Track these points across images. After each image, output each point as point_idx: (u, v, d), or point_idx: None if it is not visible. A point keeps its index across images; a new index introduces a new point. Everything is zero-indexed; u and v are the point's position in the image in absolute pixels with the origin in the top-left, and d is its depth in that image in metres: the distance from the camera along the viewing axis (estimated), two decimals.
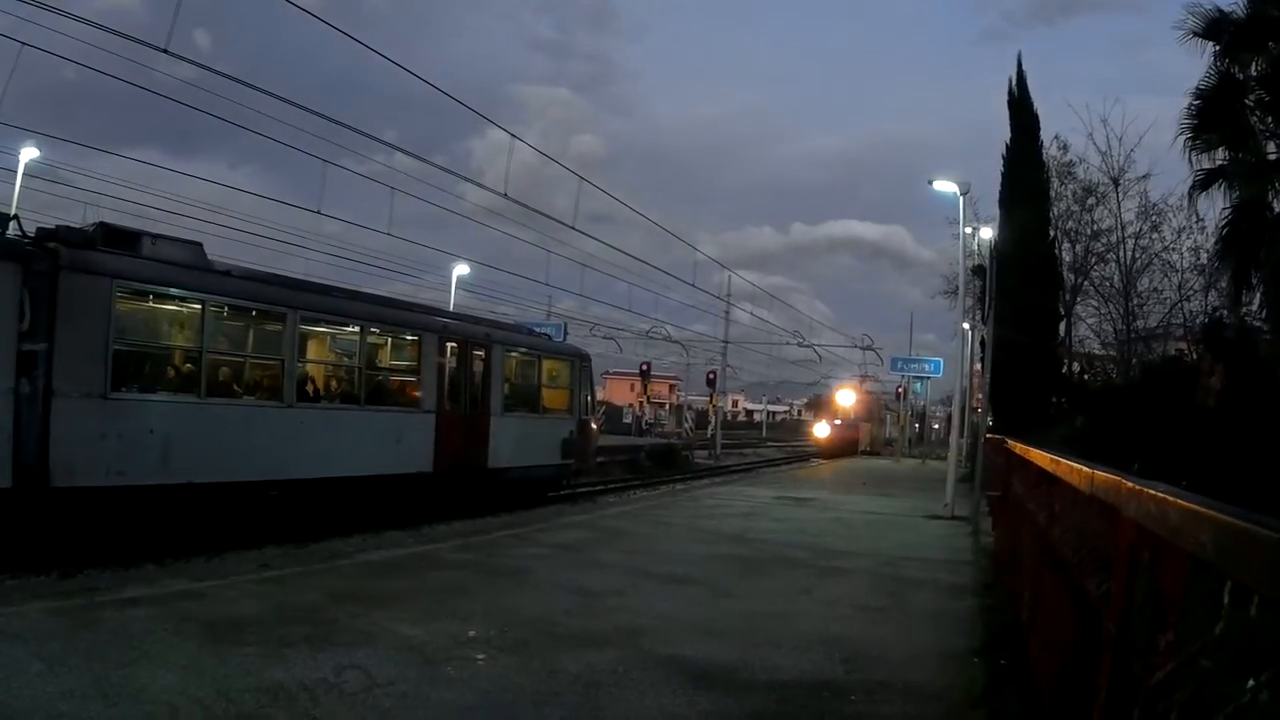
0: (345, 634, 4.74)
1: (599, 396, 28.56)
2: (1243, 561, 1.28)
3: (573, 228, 14.41)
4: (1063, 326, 22.89)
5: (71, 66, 7.98)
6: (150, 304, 9.80)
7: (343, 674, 4.02)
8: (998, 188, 22.01)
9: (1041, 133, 22.15)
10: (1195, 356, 17.29)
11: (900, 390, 40.94)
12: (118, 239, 9.28)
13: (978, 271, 19.09)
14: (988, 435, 15.77)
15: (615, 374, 60.01)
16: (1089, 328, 24.22)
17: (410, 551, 7.52)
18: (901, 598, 6.79)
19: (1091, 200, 22.89)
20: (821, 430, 40.75)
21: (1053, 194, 22.42)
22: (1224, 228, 14.98)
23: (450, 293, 29.40)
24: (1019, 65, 22.45)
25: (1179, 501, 1.65)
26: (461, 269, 30.17)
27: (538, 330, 18.84)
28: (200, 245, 10.36)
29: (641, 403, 48.60)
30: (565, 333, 25.20)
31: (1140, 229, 22.15)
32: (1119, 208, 22.52)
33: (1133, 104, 34.89)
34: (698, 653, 4.78)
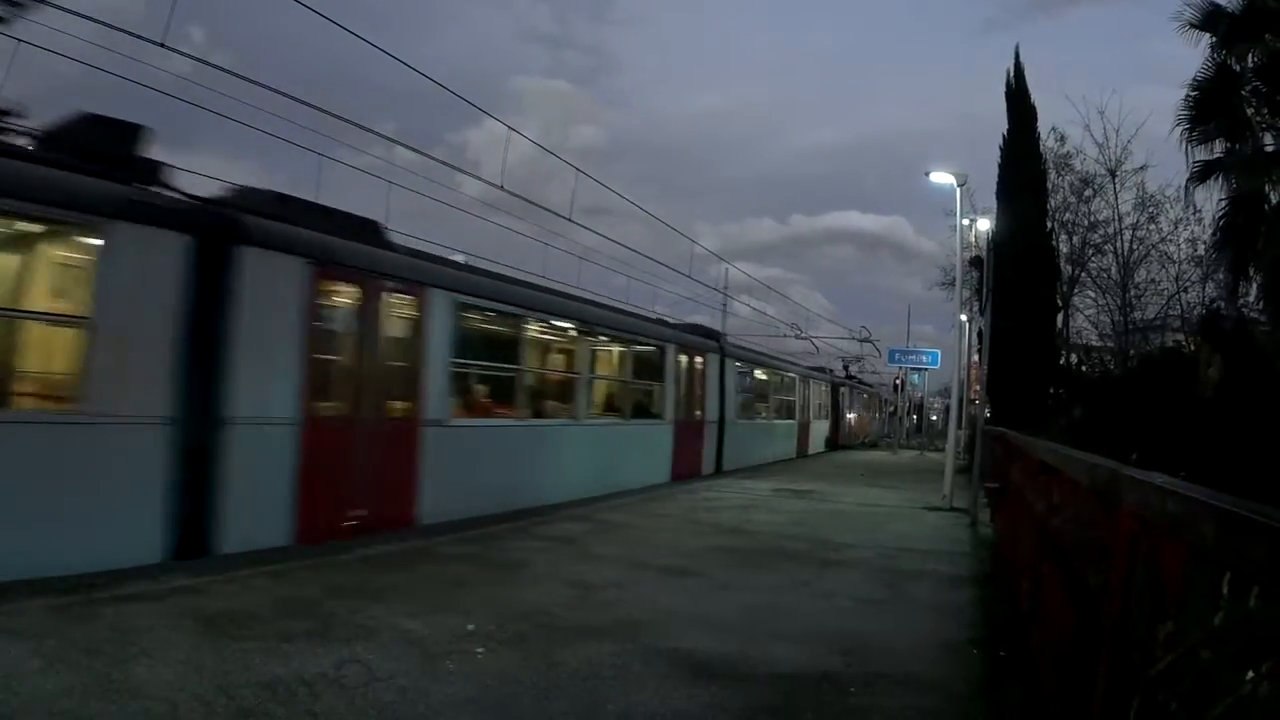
0: (344, 628, 4.73)
1: None
2: (1242, 551, 1.28)
3: (569, 220, 14.35)
4: (1060, 318, 22.94)
5: (66, 62, 7.82)
6: None
7: (342, 668, 4.02)
8: (996, 179, 22.06)
9: (1039, 124, 22.24)
10: (1193, 348, 17.32)
11: (898, 381, 40.87)
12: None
13: (975, 263, 19.07)
14: (986, 427, 15.79)
15: None
16: (1087, 319, 24.33)
17: (409, 546, 7.51)
18: (900, 589, 6.81)
19: (1089, 192, 22.96)
20: None
21: (1050, 185, 22.47)
22: (1221, 219, 15.02)
23: None
24: (1016, 57, 22.50)
25: (1178, 491, 1.64)
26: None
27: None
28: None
29: None
30: None
31: (1137, 220, 22.26)
32: (1116, 199, 22.60)
33: (1131, 94, 35.18)
34: (697, 645, 4.79)
